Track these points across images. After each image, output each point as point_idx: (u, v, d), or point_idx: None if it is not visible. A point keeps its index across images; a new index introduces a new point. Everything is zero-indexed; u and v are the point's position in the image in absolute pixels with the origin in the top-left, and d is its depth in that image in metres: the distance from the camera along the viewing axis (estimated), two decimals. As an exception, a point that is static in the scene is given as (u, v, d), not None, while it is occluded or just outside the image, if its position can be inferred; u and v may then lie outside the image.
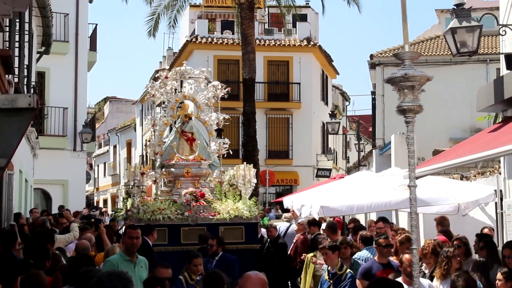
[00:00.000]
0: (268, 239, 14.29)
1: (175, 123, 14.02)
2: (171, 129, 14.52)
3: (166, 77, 13.75)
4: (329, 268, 9.30)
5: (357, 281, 9.09)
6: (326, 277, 9.25)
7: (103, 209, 31.59)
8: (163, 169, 13.54)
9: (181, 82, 14.60)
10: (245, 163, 13.60)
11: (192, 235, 12.12)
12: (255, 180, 13.08)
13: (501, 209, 12.59)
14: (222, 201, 12.69)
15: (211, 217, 12.43)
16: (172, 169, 13.28)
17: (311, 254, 11.36)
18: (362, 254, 10.38)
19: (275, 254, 13.86)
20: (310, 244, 12.95)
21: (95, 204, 46.39)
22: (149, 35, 26.31)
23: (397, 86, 6.34)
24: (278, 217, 21.46)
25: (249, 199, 12.80)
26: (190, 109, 14.10)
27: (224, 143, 13.83)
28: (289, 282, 13.90)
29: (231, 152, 14.30)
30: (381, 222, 12.66)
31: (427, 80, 6.36)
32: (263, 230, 14.85)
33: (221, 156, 13.88)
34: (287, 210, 18.39)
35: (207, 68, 14.31)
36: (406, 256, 8.04)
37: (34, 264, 7.35)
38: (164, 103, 14.05)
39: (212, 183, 13.48)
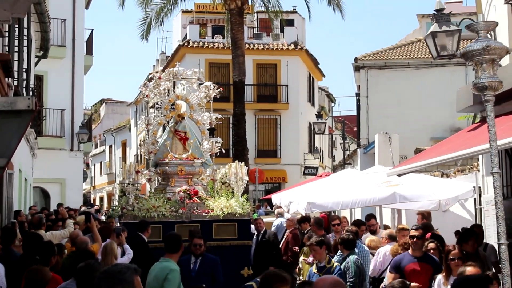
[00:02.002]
0: (258, 232, 14.57)
1: (168, 122, 13.88)
2: (164, 129, 14.40)
3: (160, 78, 13.61)
4: (317, 262, 9.41)
5: (387, 274, 9.07)
6: (315, 270, 9.34)
7: (97, 207, 31.77)
8: (157, 168, 13.42)
9: (174, 83, 14.63)
10: (237, 161, 13.55)
11: (186, 232, 11.89)
12: (247, 178, 13.05)
13: (480, 204, 12.93)
14: (216, 199, 12.66)
15: (205, 214, 12.38)
16: (166, 168, 13.13)
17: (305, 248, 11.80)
18: None
19: (270, 245, 14.12)
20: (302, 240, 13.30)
21: (91, 202, 46.75)
22: (142, 38, 26.60)
23: (474, 61, 5.69)
24: (267, 214, 21.76)
25: (241, 196, 12.82)
26: (183, 109, 13.94)
27: (216, 142, 13.76)
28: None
29: (224, 151, 14.32)
30: (373, 219, 12.86)
31: (507, 53, 5.81)
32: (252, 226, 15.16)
33: (214, 154, 13.84)
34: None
35: (199, 69, 14.26)
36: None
37: (40, 260, 7.34)
38: (157, 104, 13.91)
39: (204, 181, 13.42)
